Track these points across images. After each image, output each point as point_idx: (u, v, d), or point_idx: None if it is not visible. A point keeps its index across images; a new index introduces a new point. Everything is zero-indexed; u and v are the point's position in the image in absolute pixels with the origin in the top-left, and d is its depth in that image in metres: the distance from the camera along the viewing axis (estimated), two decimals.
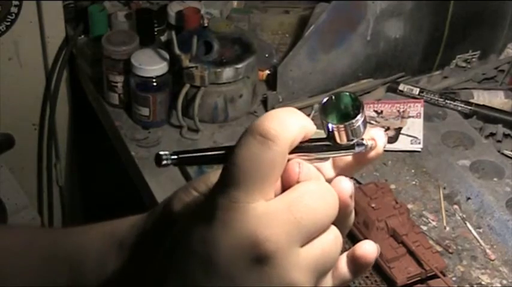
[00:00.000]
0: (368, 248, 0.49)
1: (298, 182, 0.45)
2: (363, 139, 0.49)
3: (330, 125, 0.47)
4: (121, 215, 0.60)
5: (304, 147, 0.47)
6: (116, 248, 0.56)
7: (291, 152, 0.46)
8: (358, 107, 0.47)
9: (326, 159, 0.50)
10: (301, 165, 0.46)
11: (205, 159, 0.47)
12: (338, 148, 0.48)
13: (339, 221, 0.47)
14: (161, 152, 0.45)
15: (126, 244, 0.55)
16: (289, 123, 0.44)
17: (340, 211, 0.46)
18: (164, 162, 0.45)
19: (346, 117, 0.47)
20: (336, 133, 0.47)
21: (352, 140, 0.48)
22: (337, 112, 0.47)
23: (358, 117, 0.47)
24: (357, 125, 0.47)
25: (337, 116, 0.47)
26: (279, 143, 0.43)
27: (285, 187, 0.46)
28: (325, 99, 0.48)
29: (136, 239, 0.55)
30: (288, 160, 0.46)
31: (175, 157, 0.45)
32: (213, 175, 0.51)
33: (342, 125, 0.47)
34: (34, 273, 0.59)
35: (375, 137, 0.50)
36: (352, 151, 0.49)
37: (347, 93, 0.48)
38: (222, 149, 0.46)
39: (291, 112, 0.45)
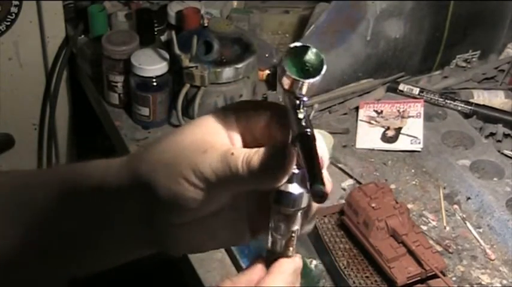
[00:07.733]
0: None
1: None
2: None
3: (288, 73, 0.47)
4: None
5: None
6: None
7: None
8: (320, 68, 0.47)
9: None
10: None
11: None
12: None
13: None
14: None
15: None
16: None
17: None
18: None
19: (306, 73, 0.47)
20: (289, 82, 0.47)
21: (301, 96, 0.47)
22: (299, 64, 0.47)
23: (318, 77, 0.47)
24: (312, 84, 0.47)
25: (298, 68, 0.47)
26: None
27: None
28: (295, 45, 0.47)
29: None
30: None
31: None
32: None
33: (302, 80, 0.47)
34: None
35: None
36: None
37: (316, 51, 0.47)
38: None
39: None
